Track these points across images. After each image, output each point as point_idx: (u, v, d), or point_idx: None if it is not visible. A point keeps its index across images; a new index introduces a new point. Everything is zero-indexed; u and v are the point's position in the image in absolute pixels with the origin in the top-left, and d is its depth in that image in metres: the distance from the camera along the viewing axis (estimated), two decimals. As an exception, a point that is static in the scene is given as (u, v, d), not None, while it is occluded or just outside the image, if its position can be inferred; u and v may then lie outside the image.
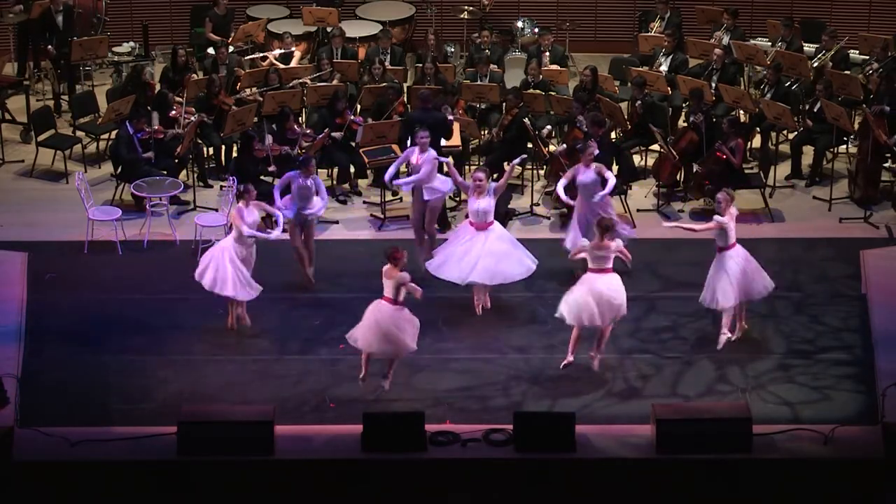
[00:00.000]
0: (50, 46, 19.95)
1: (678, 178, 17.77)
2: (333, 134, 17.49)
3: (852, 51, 19.96)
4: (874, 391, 13.57)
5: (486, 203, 14.88)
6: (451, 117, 17.24)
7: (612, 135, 17.85)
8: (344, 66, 19.29)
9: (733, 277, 14.16)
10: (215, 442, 12.66)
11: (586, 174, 15.46)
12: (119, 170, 17.49)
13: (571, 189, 15.65)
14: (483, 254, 14.79)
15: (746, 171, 17.64)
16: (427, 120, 16.60)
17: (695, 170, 17.44)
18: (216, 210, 16.93)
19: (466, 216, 15.18)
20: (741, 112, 18.62)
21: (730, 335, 14.38)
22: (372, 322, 13.47)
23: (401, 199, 17.69)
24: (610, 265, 13.85)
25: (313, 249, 15.55)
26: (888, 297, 15.20)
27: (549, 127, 18.14)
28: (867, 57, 19.59)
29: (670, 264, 16.08)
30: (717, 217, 14.25)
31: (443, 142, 16.90)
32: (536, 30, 20.75)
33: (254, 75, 19.04)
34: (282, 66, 19.47)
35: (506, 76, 19.66)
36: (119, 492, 12.71)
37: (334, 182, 17.93)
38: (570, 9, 22.10)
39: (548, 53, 19.90)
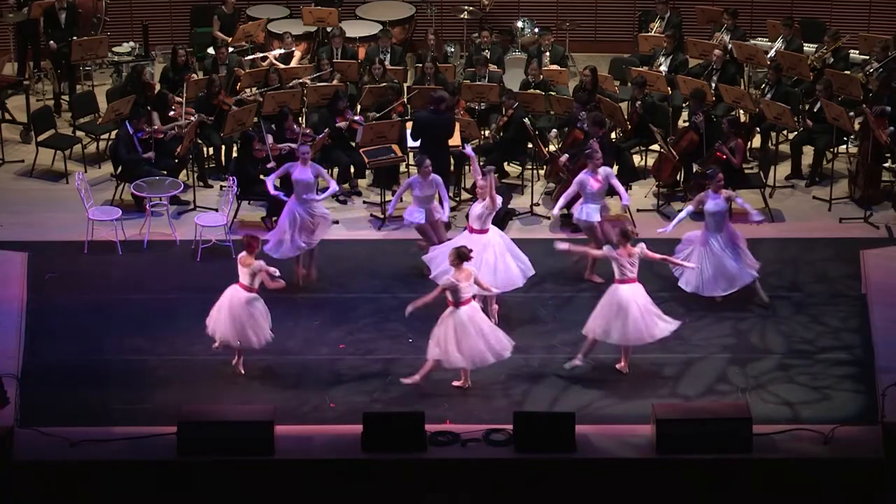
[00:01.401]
0: (52, 42, 19.96)
1: (678, 178, 17.78)
2: (339, 124, 17.50)
3: (852, 51, 19.97)
4: (874, 391, 13.57)
5: (481, 208, 14.78)
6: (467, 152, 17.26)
7: (612, 135, 17.84)
8: (344, 66, 19.29)
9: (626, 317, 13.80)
10: (215, 442, 12.66)
11: (715, 201, 14.99)
12: (119, 170, 17.49)
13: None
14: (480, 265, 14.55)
15: (746, 171, 17.63)
16: (437, 122, 16.60)
17: (695, 170, 17.44)
18: (216, 210, 16.92)
19: (467, 216, 15.17)
20: (741, 112, 18.63)
21: (578, 363, 14.11)
22: (225, 305, 13.80)
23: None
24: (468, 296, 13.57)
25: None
26: (888, 297, 15.20)
27: (555, 130, 18.12)
28: (867, 57, 19.60)
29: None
30: (607, 249, 14.01)
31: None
32: (536, 30, 20.75)
33: (254, 75, 19.03)
34: (282, 66, 19.47)
35: (506, 76, 19.66)
36: (119, 492, 12.72)
37: (334, 182, 17.96)
38: (570, 9, 22.10)
39: (548, 53, 19.90)
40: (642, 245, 13.90)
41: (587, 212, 15.53)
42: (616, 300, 13.77)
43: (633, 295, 13.76)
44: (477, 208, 14.81)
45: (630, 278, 13.82)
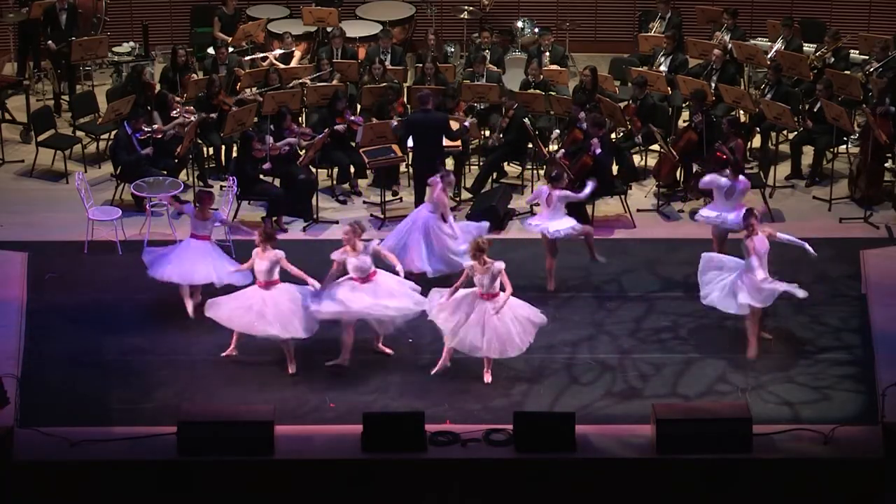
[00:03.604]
0: (50, 42, 19.96)
1: (678, 178, 17.78)
2: (337, 127, 17.50)
3: (852, 51, 19.97)
4: (874, 391, 13.57)
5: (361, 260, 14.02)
6: (466, 124, 17.21)
7: (613, 135, 17.84)
8: (344, 66, 19.29)
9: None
10: (215, 442, 12.66)
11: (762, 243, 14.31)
12: (119, 170, 17.50)
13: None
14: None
15: (746, 171, 17.61)
16: (427, 122, 16.60)
17: (695, 170, 17.44)
18: (216, 210, 16.90)
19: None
20: (741, 112, 18.63)
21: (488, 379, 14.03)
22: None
23: (401, 198, 17.68)
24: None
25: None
26: (888, 297, 15.20)
27: (557, 131, 18.12)
28: (867, 57, 19.60)
29: (670, 264, 16.08)
30: (467, 266, 13.82)
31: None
32: (536, 30, 20.75)
33: (254, 75, 19.03)
34: (282, 66, 19.47)
35: (506, 76, 19.66)
36: (119, 492, 12.72)
37: (334, 182, 17.95)
38: (570, 9, 22.11)
39: (548, 53, 19.90)
40: (501, 264, 13.69)
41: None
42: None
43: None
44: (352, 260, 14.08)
45: (485, 293, 13.66)
